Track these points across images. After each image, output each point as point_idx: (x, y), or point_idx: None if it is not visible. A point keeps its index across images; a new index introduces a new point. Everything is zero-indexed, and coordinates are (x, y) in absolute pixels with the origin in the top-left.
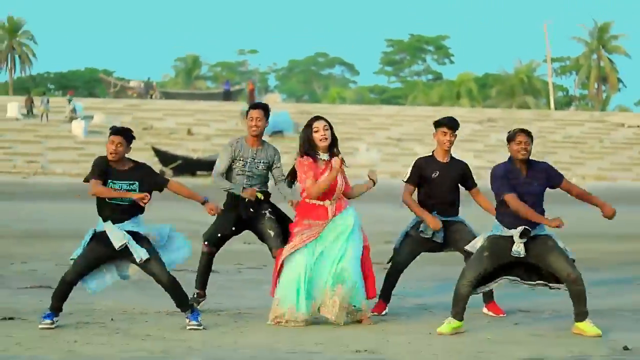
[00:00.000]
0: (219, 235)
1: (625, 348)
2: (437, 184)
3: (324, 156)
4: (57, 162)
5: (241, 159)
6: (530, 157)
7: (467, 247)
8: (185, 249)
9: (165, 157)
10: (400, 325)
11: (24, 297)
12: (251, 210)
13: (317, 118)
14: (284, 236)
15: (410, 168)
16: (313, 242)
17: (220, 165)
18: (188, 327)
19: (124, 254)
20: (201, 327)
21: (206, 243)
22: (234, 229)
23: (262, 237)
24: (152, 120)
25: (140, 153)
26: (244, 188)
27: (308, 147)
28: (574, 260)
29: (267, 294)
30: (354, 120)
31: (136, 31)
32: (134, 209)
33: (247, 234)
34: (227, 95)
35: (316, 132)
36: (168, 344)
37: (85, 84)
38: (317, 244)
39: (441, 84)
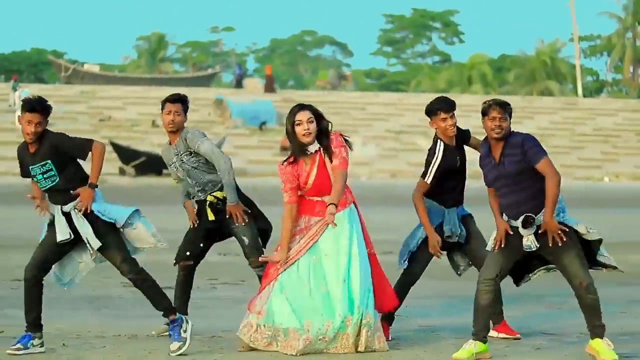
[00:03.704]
0: (188, 253)
1: None
2: (460, 172)
3: (312, 148)
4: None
5: (171, 163)
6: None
7: (488, 248)
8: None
9: (126, 154)
10: (403, 350)
11: None
12: (218, 208)
13: (302, 107)
14: (262, 236)
15: (435, 165)
16: (314, 246)
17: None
18: (170, 352)
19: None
20: (184, 346)
21: (174, 262)
22: (203, 241)
23: (238, 241)
24: (110, 110)
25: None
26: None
27: (293, 142)
28: (600, 242)
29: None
30: (347, 109)
31: (92, 6)
32: (69, 189)
33: (222, 243)
34: (240, 83)
35: (298, 125)
36: None
37: (31, 67)
38: (319, 247)
39: (449, 67)
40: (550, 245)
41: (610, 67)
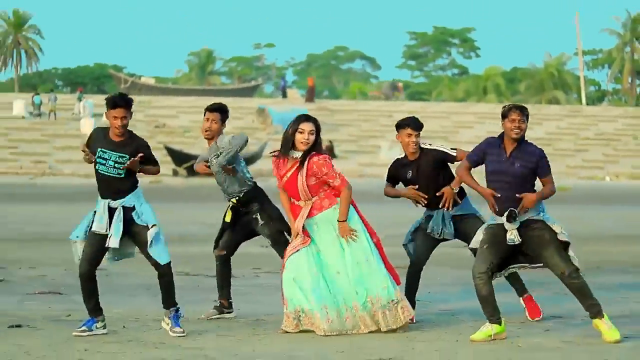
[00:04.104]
0: (220, 235)
1: None
2: (416, 183)
3: (295, 154)
4: (66, 162)
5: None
6: (543, 150)
7: (471, 246)
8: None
9: (178, 157)
10: (426, 332)
11: (33, 304)
12: (241, 210)
13: (308, 119)
14: (284, 234)
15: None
16: (311, 245)
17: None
18: (170, 333)
19: (127, 229)
20: (184, 334)
21: (214, 246)
22: (233, 230)
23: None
24: (164, 118)
25: (153, 152)
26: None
27: (285, 143)
28: (569, 244)
29: None
30: (376, 116)
31: (147, 25)
32: (124, 184)
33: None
34: (285, 93)
35: (300, 133)
36: (183, 352)
37: (94, 80)
38: (317, 245)
39: (467, 79)
40: (531, 240)
41: (610, 78)
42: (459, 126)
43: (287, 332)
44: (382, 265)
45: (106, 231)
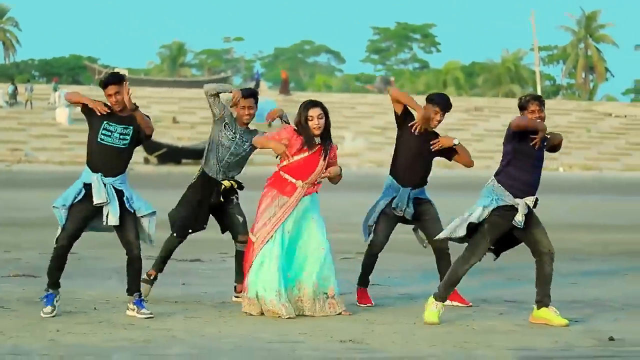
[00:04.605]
0: (190, 230)
1: (611, 339)
2: (411, 147)
3: (316, 140)
4: (41, 150)
5: (230, 129)
6: None
7: (449, 235)
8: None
9: (150, 145)
10: (386, 315)
11: (7, 286)
12: (222, 196)
13: (314, 105)
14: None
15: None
16: (281, 227)
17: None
18: (138, 315)
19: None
20: (152, 315)
21: (175, 235)
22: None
23: (228, 222)
24: None
25: None
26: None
27: (306, 134)
28: None
29: None
30: (340, 108)
31: (121, 18)
32: (123, 159)
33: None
34: (258, 85)
35: (311, 120)
36: (151, 333)
37: (69, 71)
38: (285, 228)
39: (428, 73)
40: (529, 219)
41: (565, 73)
42: None
43: (251, 315)
44: (330, 258)
45: (107, 200)
